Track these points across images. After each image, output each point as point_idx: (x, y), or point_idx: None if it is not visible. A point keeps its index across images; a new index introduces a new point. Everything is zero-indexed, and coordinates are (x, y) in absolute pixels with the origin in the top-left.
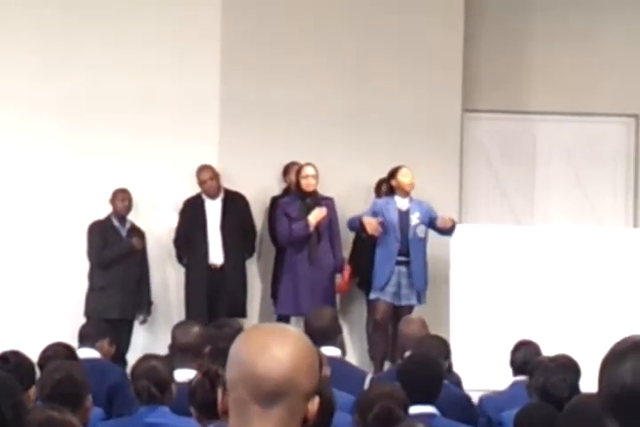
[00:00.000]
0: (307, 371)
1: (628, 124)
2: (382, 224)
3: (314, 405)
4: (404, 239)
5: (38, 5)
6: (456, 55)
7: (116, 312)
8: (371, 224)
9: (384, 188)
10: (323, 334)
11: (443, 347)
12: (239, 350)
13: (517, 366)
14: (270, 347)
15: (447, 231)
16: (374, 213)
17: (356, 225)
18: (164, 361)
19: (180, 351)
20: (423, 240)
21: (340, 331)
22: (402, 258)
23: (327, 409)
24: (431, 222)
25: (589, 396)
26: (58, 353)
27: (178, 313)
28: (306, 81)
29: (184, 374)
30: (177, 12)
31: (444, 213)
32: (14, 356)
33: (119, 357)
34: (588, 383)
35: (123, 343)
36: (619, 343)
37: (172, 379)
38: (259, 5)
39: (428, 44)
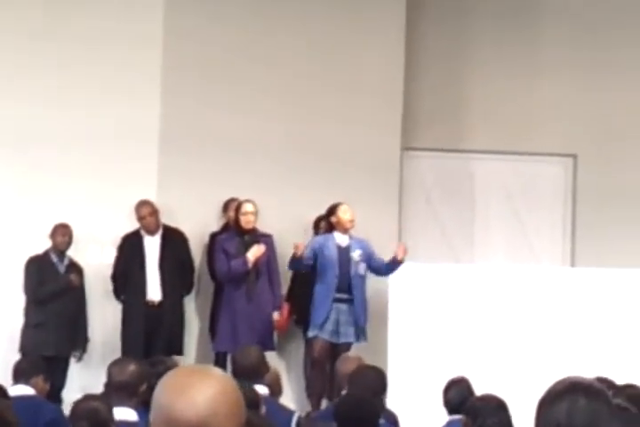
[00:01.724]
0: (226, 414)
1: (566, 164)
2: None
3: None
4: (345, 276)
5: None
6: (396, 93)
7: (52, 349)
8: (297, 247)
9: (323, 225)
10: (250, 372)
11: (379, 379)
12: (159, 392)
13: (452, 405)
14: (188, 390)
15: (392, 267)
16: (313, 251)
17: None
18: (104, 401)
19: (116, 390)
20: (363, 277)
21: (267, 369)
22: (341, 295)
23: None
24: (370, 259)
25: None
26: None
27: (115, 350)
28: (245, 117)
29: (120, 413)
30: (119, 46)
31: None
32: None
33: (54, 394)
34: (523, 423)
35: (58, 381)
36: (556, 384)
37: (112, 420)
38: (199, 39)
39: (368, 80)
